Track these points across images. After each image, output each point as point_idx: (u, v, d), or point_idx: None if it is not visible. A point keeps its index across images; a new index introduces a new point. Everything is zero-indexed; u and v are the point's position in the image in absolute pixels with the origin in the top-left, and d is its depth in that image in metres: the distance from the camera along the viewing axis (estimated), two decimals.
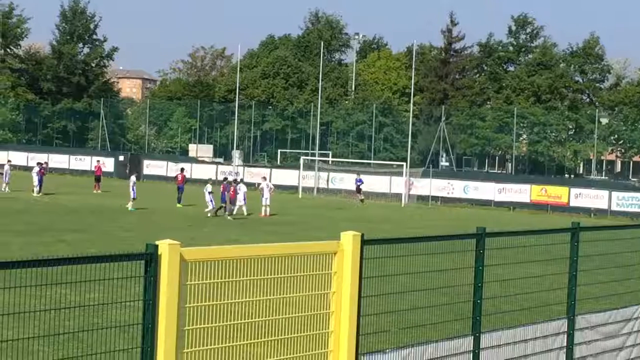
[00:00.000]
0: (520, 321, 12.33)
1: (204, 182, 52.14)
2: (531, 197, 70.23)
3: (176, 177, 57.09)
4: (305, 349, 8.68)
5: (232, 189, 47.74)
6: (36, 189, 54.52)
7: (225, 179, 53.36)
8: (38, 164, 58.37)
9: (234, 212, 47.05)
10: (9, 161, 62.90)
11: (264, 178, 54.98)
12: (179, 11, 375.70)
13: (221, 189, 48.00)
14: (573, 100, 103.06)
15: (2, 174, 54.80)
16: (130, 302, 7.77)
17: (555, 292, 13.12)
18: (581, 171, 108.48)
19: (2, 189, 54.81)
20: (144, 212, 46.17)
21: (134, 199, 47.73)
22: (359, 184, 68.89)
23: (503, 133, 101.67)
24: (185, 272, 7.57)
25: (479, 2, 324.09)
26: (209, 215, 46.33)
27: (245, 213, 47.85)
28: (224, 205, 47.09)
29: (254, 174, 73.91)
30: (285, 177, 76.18)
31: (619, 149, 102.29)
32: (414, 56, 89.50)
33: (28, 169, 66.29)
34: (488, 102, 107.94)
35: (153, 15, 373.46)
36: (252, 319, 8.19)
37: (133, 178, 49.48)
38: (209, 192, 47.50)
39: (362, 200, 66.48)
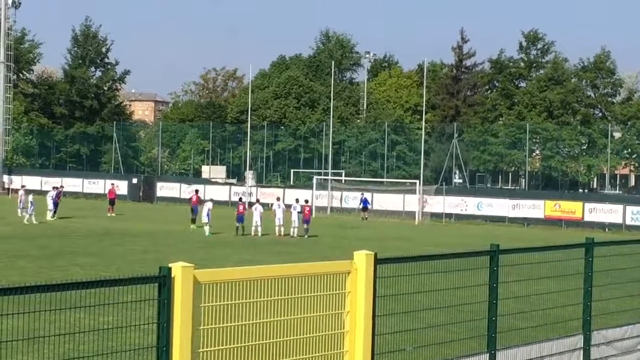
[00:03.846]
0: (536, 338, 12.28)
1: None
2: (545, 212, 70.05)
3: (190, 198, 57.49)
4: None
5: (307, 209, 50.25)
6: (50, 212, 54.56)
7: (241, 199, 53.82)
8: (54, 188, 58.50)
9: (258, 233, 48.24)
10: (23, 186, 62.79)
11: (278, 199, 55.19)
12: (190, 33, 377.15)
13: (240, 209, 48.73)
14: (585, 115, 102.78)
15: (30, 201, 53.45)
16: (144, 325, 7.77)
17: (571, 308, 13.07)
18: (595, 186, 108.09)
19: (28, 221, 51.93)
20: (157, 234, 46.22)
21: (207, 223, 47.88)
22: (366, 205, 71.93)
23: (516, 149, 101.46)
24: (199, 293, 7.58)
25: (489, 19, 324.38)
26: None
27: (260, 234, 48.01)
28: (240, 225, 47.97)
29: (267, 195, 73.93)
30: (299, 196, 76.10)
31: (632, 163, 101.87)
32: (425, 74, 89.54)
33: (42, 193, 66.31)
34: (500, 119, 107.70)
35: (164, 38, 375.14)
36: (266, 340, 8.19)
37: (209, 204, 49.52)
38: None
39: (365, 218, 69.30)
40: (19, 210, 55.80)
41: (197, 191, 59.05)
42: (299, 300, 8.47)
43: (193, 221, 53.13)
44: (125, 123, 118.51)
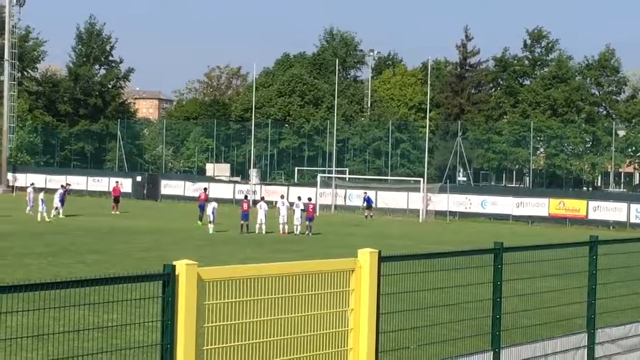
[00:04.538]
0: (540, 335, 12.28)
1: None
2: (549, 210, 70.00)
3: (199, 195, 58.04)
4: None
5: (310, 206, 50.74)
6: (54, 211, 54.56)
7: (246, 196, 54.00)
8: (62, 186, 58.71)
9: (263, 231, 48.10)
10: (32, 184, 63.24)
11: (282, 197, 55.24)
12: (194, 31, 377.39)
13: (245, 206, 48.93)
14: (590, 112, 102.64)
15: (41, 199, 53.59)
16: (148, 322, 7.78)
17: (575, 306, 13.07)
18: (599, 184, 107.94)
19: (41, 218, 52.19)
20: (161, 232, 46.24)
21: (212, 222, 48.02)
22: (370, 203, 71.74)
23: (520, 147, 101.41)
24: (203, 291, 7.59)
25: (493, 17, 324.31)
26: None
27: (264, 232, 48.03)
28: (244, 222, 48.01)
29: (271, 192, 73.95)
30: (303, 194, 76.09)
31: (637, 161, 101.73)
32: (429, 71, 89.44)
33: (47, 191, 66.16)
34: (504, 117, 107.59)
35: (168, 36, 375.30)
36: (271, 337, 8.19)
37: (214, 204, 49.68)
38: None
39: (370, 216, 69.16)
40: (28, 208, 55.98)
41: (205, 189, 59.58)
42: (303, 297, 8.47)
43: (200, 218, 53.33)
44: (130, 121, 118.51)
